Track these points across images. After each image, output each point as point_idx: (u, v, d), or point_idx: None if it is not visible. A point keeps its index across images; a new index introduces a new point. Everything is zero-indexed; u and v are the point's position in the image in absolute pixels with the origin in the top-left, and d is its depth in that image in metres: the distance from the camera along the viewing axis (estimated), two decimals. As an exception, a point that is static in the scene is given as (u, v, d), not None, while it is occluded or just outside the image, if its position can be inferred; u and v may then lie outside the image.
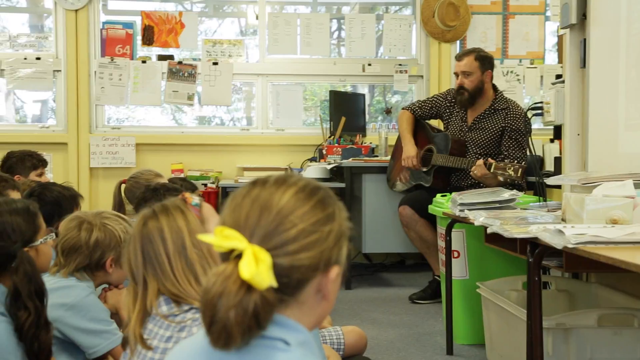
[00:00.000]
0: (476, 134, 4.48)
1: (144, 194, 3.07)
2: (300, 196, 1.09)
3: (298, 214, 1.07)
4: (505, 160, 3.98)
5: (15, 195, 2.85)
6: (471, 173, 4.16)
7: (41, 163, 4.00)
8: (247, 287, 1.01)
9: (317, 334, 2.26)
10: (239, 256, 1.03)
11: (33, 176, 3.86)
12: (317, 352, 1.11)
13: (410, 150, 4.64)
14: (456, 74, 4.53)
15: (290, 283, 1.05)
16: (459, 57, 4.54)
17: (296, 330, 1.07)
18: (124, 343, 1.64)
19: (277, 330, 1.05)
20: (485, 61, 4.45)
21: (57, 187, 2.92)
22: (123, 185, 3.71)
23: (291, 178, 1.13)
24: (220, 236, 1.04)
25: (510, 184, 3.94)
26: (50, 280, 2.12)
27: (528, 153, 3.82)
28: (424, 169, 4.61)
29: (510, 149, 4.36)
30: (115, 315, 2.39)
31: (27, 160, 3.93)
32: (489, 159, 4.11)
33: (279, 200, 1.08)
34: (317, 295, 1.10)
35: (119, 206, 3.63)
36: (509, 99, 4.55)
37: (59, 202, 2.80)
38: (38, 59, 5.72)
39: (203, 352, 1.09)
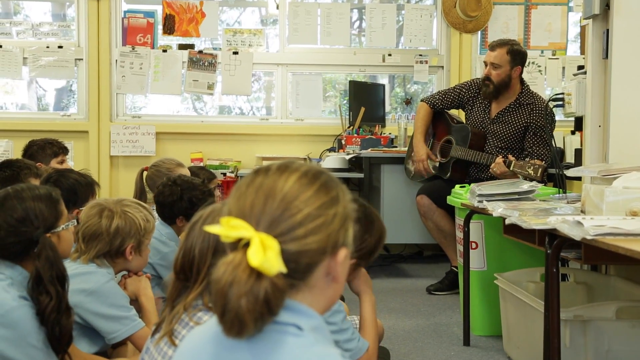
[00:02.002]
0: (498, 127, 4.44)
1: (164, 188, 3.07)
2: (303, 181, 1.10)
3: (302, 198, 1.08)
4: (526, 159, 3.95)
5: (36, 183, 2.88)
6: (490, 170, 4.14)
7: (62, 150, 4.03)
8: (257, 274, 1.02)
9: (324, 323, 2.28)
10: (247, 245, 1.04)
11: (54, 164, 3.90)
12: (329, 337, 1.12)
13: (421, 153, 4.64)
14: (485, 63, 4.46)
15: (299, 268, 1.06)
16: (492, 47, 4.43)
17: (308, 315, 1.08)
18: (155, 330, 1.64)
19: (289, 316, 1.06)
20: (517, 56, 4.37)
21: (74, 174, 2.93)
22: (145, 173, 3.75)
23: (293, 164, 1.14)
24: (227, 226, 1.05)
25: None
26: (70, 266, 2.15)
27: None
28: (443, 160, 4.60)
29: (534, 146, 4.32)
30: (134, 302, 2.41)
31: (47, 147, 3.97)
32: (510, 155, 4.08)
33: (283, 186, 1.09)
34: (327, 278, 1.11)
35: (140, 193, 3.67)
36: (535, 94, 4.48)
37: (74, 189, 2.80)
38: (60, 47, 5.76)
39: (215, 339, 1.10)
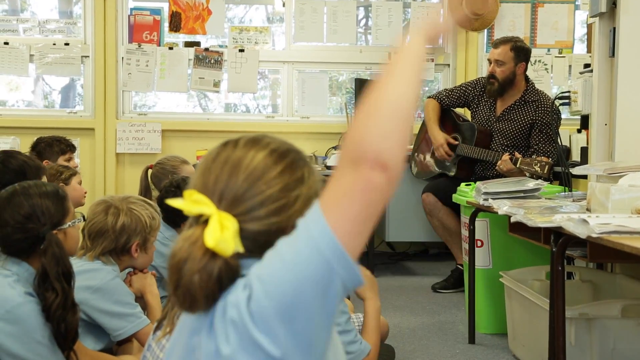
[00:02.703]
0: (504, 124, 4.44)
1: (167, 194, 3.03)
2: (269, 160, 1.10)
3: (266, 179, 1.08)
4: (533, 156, 3.95)
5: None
6: (497, 167, 4.14)
7: (69, 148, 4.04)
8: (212, 253, 1.02)
9: None
10: (207, 221, 1.04)
11: (61, 161, 3.91)
12: None
13: (438, 138, 4.61)
14: (489, 61, 4.47)
15: (257, 244, 1.06)
16: (495, 44, 4.45)
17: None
18: (157, 327, 1.64)
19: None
20: (520, 53, 4.38)
21: (22, 156, 2.89)
22: (150, 171, 3.75)
23: (263, 139, 1.14)
24: (189, 201, 1.05)
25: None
26: (76, 264, 2.16)
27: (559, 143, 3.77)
28: (457, 143, 4.58)
29: (541, 143, 4.31)
30: (139, 299, 2.42)
31: (55, 145, 3.98)
32: (516, 153, 4.08)
33: (249, 163, 1.09)
34: None
35: (145, 191, 3.67)
36: (540, 91, 4.48)
37: (23, 170, 2.73)
38: (67, 44, 5.77)
39: (179, 328, 1.14)
